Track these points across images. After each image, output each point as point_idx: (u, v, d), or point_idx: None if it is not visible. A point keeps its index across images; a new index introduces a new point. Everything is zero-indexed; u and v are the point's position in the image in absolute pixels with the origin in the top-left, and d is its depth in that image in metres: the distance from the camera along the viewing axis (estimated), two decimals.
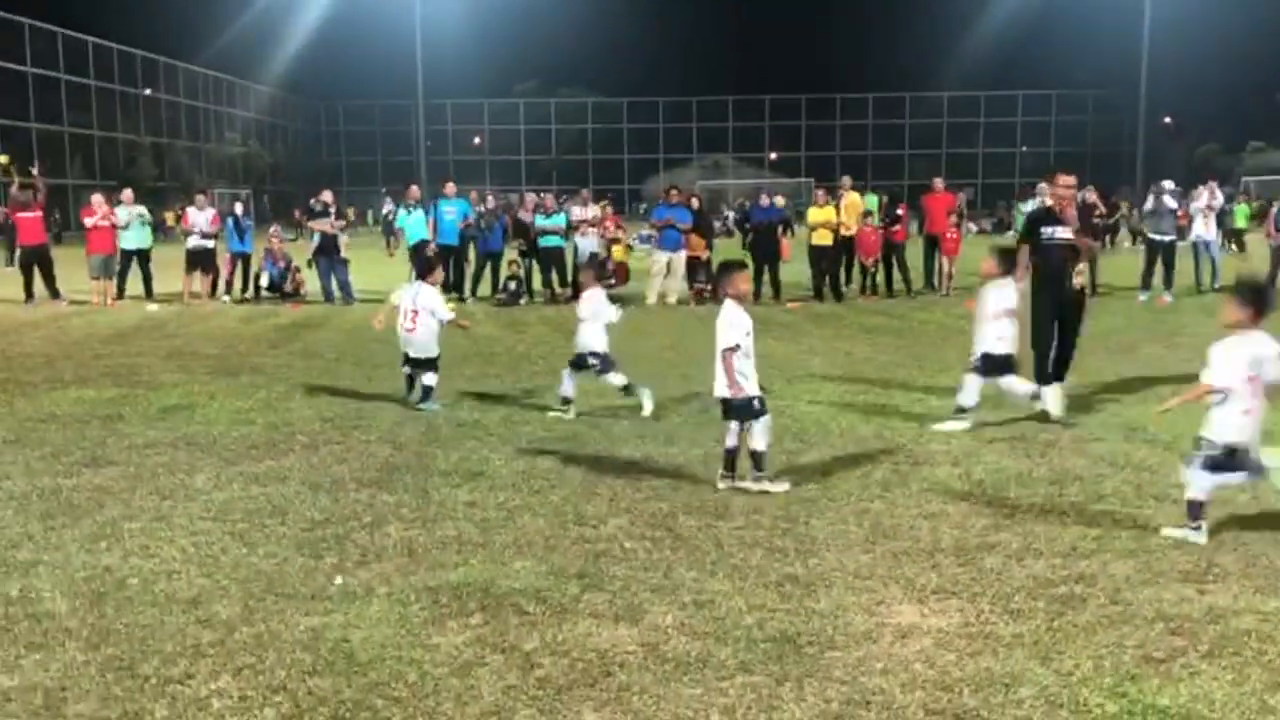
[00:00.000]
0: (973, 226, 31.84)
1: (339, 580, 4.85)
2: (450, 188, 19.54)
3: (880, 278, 18.76)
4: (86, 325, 15.41)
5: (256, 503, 6.11)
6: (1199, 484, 5.38)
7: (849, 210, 18.62)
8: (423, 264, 9.76)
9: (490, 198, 19.80)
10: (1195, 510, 5.38)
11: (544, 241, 18.55)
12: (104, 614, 4.43)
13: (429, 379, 8.91)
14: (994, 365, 8.13)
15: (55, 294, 18.46)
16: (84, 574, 4.90)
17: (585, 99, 78.74)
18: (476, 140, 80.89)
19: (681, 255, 18.20)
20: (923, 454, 7.21)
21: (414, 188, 19.74)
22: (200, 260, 18.92)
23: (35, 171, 20.18)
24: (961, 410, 8.08)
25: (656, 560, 5.13)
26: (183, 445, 7.58)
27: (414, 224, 18.60)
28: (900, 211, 19.19)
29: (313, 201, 19.92)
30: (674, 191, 19.27)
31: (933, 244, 19.14)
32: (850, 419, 8.41)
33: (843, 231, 18.28)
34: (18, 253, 19.50)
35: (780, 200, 20.42)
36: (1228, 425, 5.37)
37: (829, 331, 14.27)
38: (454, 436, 7.83)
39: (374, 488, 6.43)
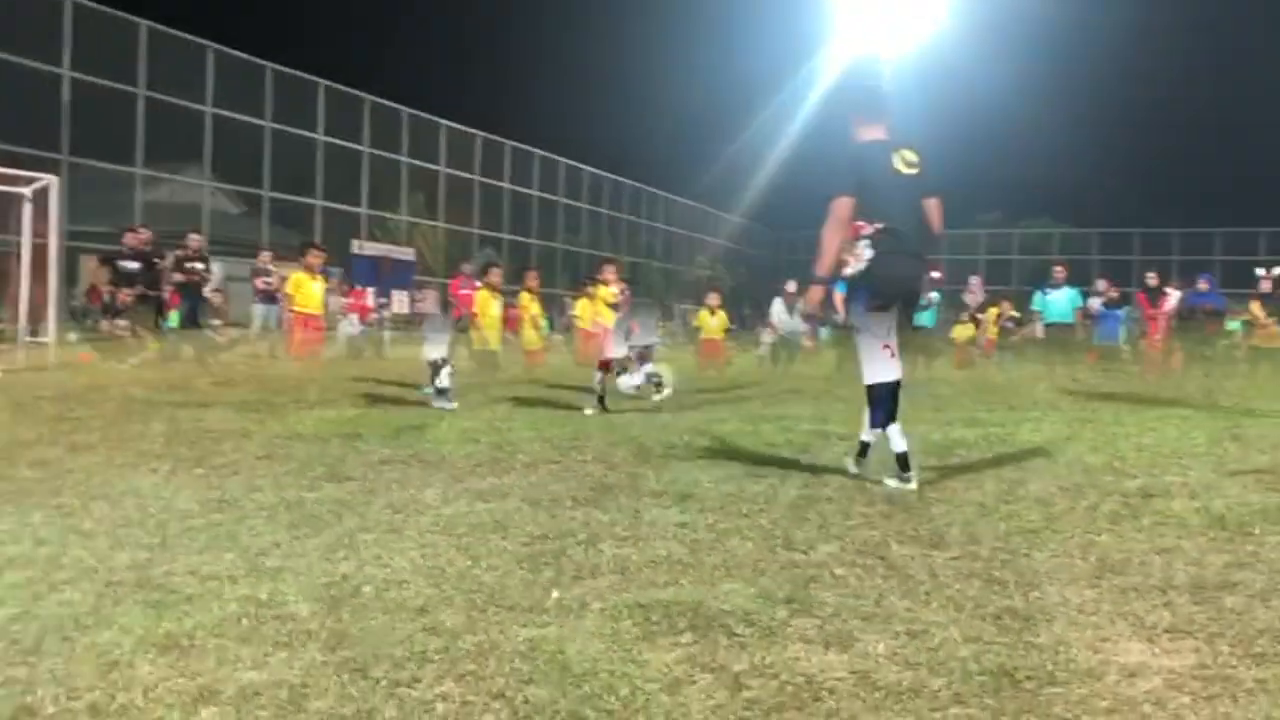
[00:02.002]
0: None
1: (555, 594, 5.01)
2: None
3: None
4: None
5: (480, 518, 6.38)
6: None
7: None
8: None
9: None
10: None
11: None
12: (341, 618, 4.73)
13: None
14: None
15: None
16: (324, 580, 5.25)
17: (1051, 229, 71.59)
18: (937, 275, 78.09)
19: None
20: (1156, 486, 6.81)
21: None
22: None
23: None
24: None
25: (867, 588, 5.05)
26: (414, 462, 8.01)
27: None
28: None
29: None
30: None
31: None
32: (1077, 448, 8.03)
33: None
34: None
35: None
36: None
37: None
38: (665, 458, 7.95)
39: (589, 506, 6.61)
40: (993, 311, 19.32)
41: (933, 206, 6.14)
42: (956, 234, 70.76)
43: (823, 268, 6.08)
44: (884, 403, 6.35)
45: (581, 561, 5.52)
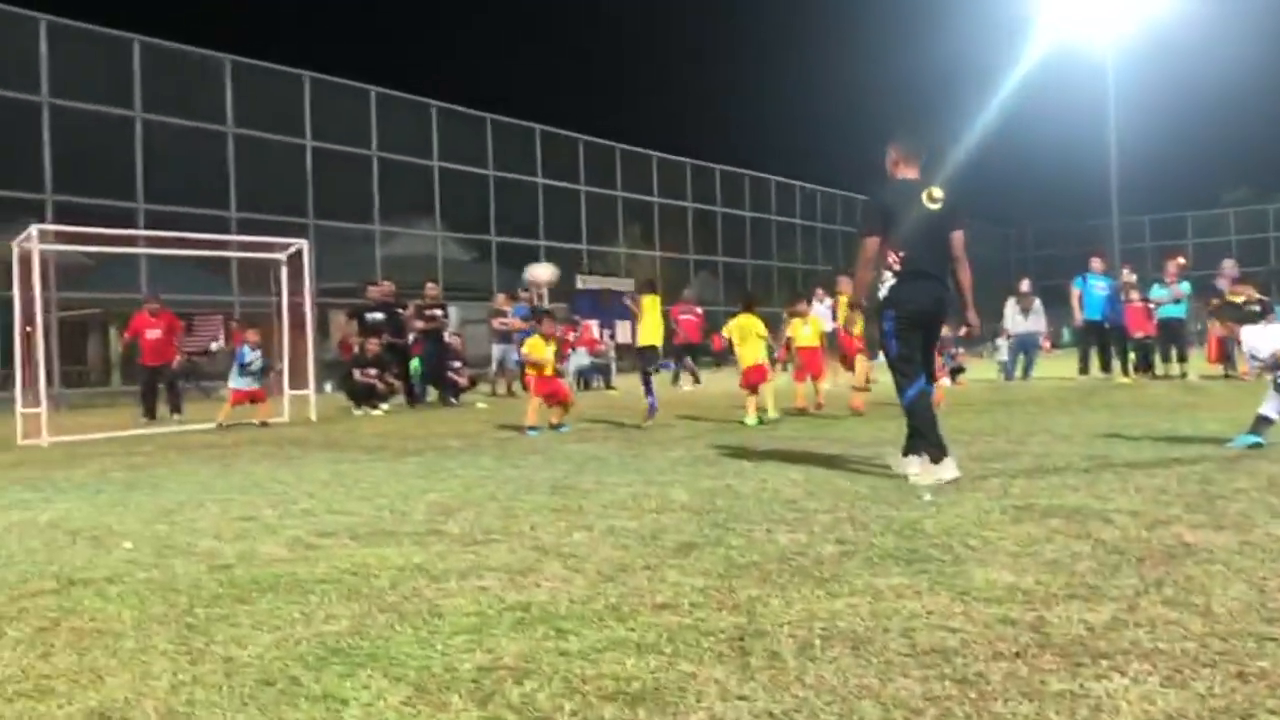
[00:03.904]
0: None
1: (927, 496, 5.89)
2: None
3: None
4: None
5: (855, 468, 7.51)
6: None
7: None
8: None
9: None
10: None
11: None
12: (713, 502, 5.46)
13: None
14: None
15: None
16: (707, 485, 6.08)
17: None
18: (1181, 260, 72.94)
19: None
20: None
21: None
22: None
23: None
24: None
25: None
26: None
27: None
28: None
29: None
30: None
31: None
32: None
33: None
34: None
35: None
36: None
37: None
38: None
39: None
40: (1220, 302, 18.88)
41: (956, 239, 6.87)
42: (1201, 215, 67.08)
43: (857, 297, 7.20)
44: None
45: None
